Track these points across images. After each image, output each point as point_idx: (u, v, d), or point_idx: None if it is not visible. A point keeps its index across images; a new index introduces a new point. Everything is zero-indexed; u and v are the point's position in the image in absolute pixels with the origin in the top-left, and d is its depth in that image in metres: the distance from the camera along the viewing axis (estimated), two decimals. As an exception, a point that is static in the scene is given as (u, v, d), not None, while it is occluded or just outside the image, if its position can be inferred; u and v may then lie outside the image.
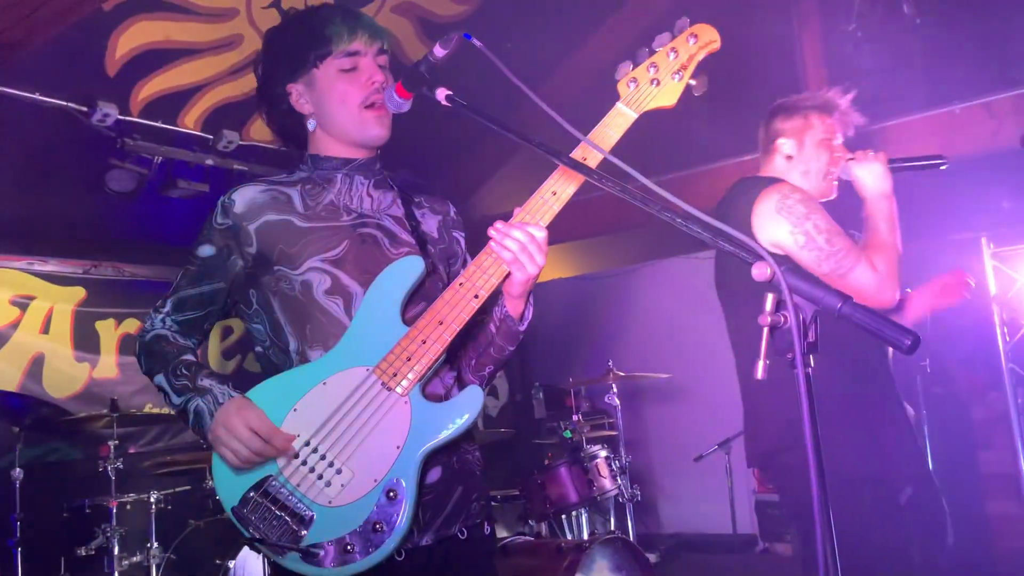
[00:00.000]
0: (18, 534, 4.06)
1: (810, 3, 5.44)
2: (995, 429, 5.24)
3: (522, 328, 1.84)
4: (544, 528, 4.63)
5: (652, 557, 5.09)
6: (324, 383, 1.70)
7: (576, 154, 1.68)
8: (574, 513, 4.57)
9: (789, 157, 2.63)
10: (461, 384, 1.87)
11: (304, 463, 1.66)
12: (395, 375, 1.68)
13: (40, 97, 4.18)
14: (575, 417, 5.09)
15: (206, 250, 1.83)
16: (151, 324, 1.85)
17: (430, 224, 1.97)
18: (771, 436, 2.46)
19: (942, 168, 2.60)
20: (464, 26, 4.94)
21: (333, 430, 1.67)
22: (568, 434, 5.06)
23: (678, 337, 6.58)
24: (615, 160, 1.58)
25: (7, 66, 3.72)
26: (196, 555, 4.32)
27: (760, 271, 1.31)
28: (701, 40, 1.78)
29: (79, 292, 5.14)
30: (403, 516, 1.63)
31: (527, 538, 4.35)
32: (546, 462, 4.68)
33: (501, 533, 4.66)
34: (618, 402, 5.29)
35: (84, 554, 4.14)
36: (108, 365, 5.20)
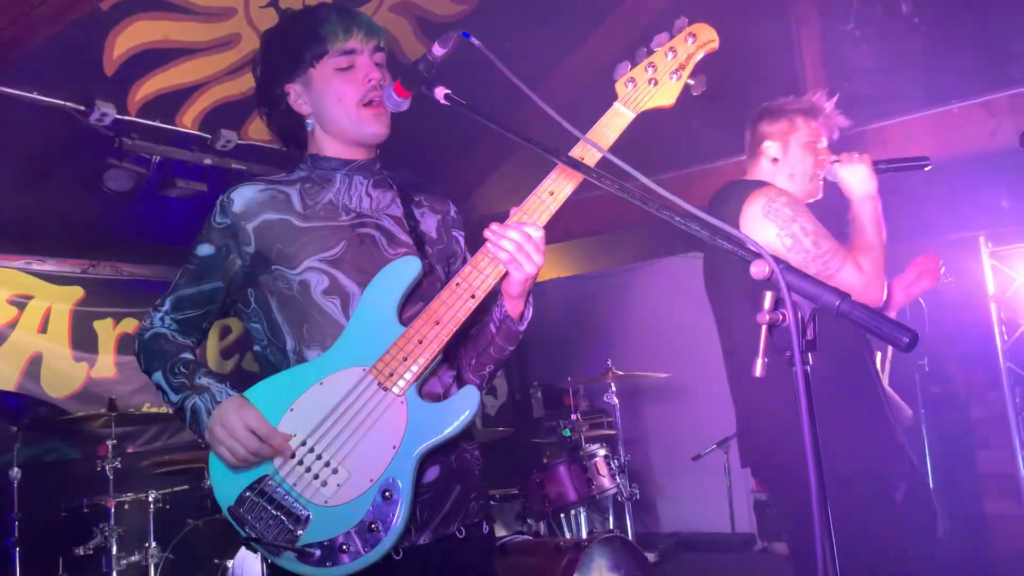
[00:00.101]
0: (16, 534, 4.06)
1: (809, 3, 5.44)
2: (993, 428, 5.24)
3: (522, 328, 1.84)
4: (543, 527, 4.62)
5: (651, 556, 5.10)
6: (321, 383, 1.70)
7: (575, 153, 1.68)
8: (573, 512, 4.56)
9: (775, 160, 2.66)
10: (460, 383, 1.87)
11: (300, 463, 1.66)
12: (391, 375, 1.68)
13: (38, 96, 4.17)
14: (574, 416, 5.11)
15: (205, 249, 1.83)
16: (150, 322, 1.86)
17: (429, 224, 1.97)
18: (765, 436, 2.47)
19: (926, 169, 2.62)
20: (463, 25, 4.92)
21: (329, 430, 1.67)
22: (567, 433, 5.07)
23: (677, 336, 6.57)
24: (614, 159, 1.57)
25: (5, 65, 3.72)
26: (194, 555, 4.32)
27: (758, 269, 1.31)
28: (699, 40, 1.77)
29: (77, 291, 5.14)
30: (399, 516, 1.63)
31: (526, 537, 4.34)
32: (545, 461, 4.69)
33: (500, 532, 4.65)
34: (617, 401, 5.30)
35: (82, 554, 4.13)
36: (106, 365, 5.20)
